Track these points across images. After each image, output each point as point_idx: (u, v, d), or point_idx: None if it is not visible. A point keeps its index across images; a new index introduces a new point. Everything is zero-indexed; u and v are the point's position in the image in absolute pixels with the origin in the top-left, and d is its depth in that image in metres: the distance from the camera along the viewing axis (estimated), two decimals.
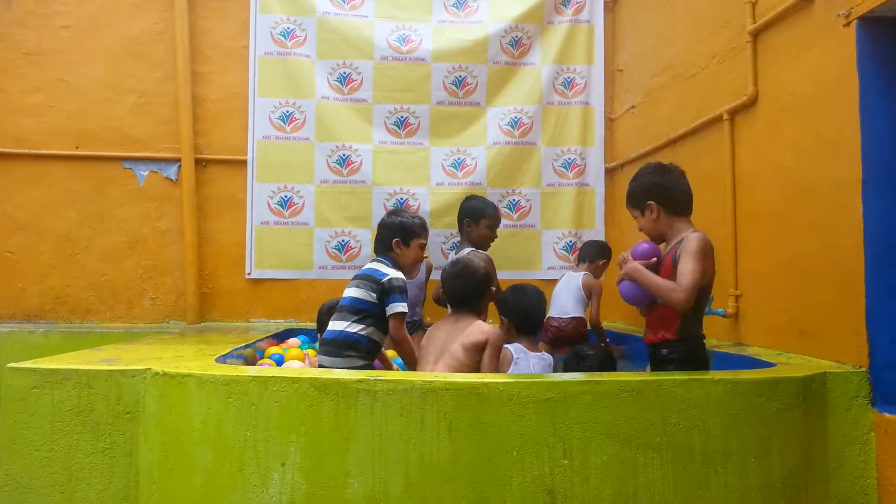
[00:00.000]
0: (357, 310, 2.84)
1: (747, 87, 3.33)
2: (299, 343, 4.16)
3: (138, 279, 4.97)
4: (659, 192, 2.73)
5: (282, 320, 5.02)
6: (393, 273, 2.90)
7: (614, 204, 5.24)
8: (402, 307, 2.83)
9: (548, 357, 3.24)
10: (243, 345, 3.29)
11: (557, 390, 2.06)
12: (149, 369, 2.28)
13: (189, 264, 4.92)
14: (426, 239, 3.17)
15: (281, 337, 4.41)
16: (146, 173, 5.01)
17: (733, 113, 3.48)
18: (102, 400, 2.27)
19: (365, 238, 5.07)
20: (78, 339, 4.35)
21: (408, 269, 3.07)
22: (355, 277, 2.99)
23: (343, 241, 5.06)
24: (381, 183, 5.08)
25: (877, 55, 2.58)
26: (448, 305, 3.17)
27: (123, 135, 4.98)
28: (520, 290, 3.34)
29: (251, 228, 5.01)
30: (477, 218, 4.23)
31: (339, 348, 2.77)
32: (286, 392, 2.06)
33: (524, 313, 3.22)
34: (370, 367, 2.82)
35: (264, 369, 2.24)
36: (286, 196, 5.04)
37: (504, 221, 5.14)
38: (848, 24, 2.62)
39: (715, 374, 2.22)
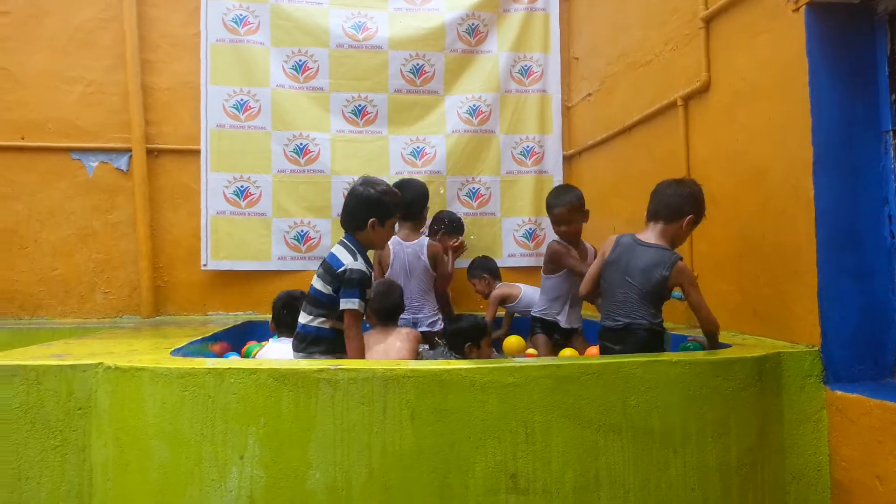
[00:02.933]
0: (318, 302, 2.70)
1: (700, 73, 3.37)
2: None
3: (90, 273, 4.83)
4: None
5: (240, 313, 4.94)
6: (351, 263, 2.66)
7: None
8: (353, 304, 2.61)
9: None
10: (200, 337, 3.22)
11: (519, 375, 2.06)
12: (101, 363, 2.22)
13: (142, 257, 4.80)
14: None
15: (241, 330, 4.34)
16: (95, 164, 4.86)
17: (687, 99, 3.52)
18: (52, 396, 2.19)
19: (325, 228, 5.01)
20: (27, 336, 4.22)
21: (378, 246, 2.90)
22: (322, 264, 2.81)
23: (302, 231, 4.99)
24: (339, 172, 5.02)
25: (825, 40, 2.63)
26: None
27: (71, 125, 4.82)
28: None
29: (206, 219, 4.90)
30: (454, 232, 4.50)
31: (302, 342, 2.68)
32: (244, 383, 2.03)
33: None
34: (340, 359, 2.68)
35: (221, 360, 2.19)
36: (242, 186, 4.95)
37: (464, 209, 5.17)
38: (797, 10, 2.66)
39: (673, 356, 2.25)
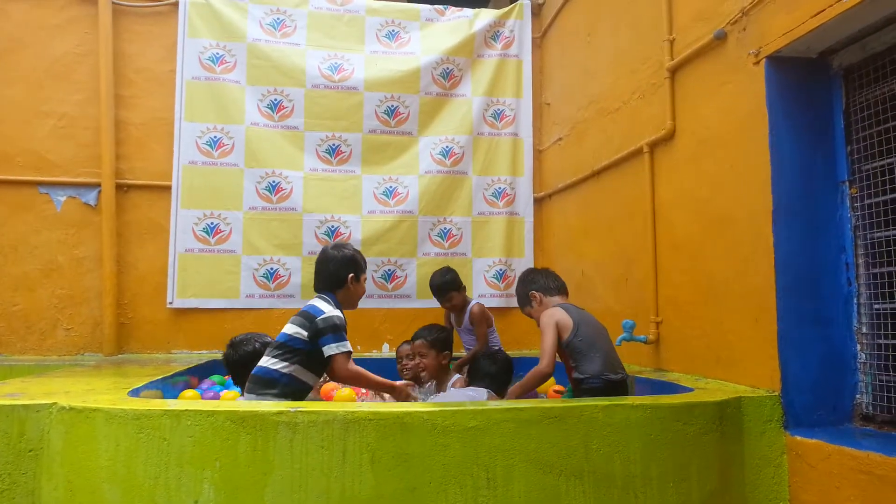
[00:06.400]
0: (284, 346, 2.67)
1: (666, 121, 3.46)
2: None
3: (52, 309, 4.75)
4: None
5: (205, 351, 4.86)
6: (330, 311, 2.71)
7: (542, 233, 5.33)
8: (339, 347, 2.64)
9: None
10: (160, 377, 3.16)
11: (481, 418, 2.05)
12: (55, 404, 2.16)
13: (107, 293, 4.73)
14: None
15: (203, 370, 4.27)
16: (63, 199, 4.82)
17: (653, 146, 3.60)
18: (2, 437, 2.13)
19: (294, 266, 4.98)
20: None
21: (354, 304, 2.97)
22: (299, 313, 2.81)
23: (272, 269, 4.96)
24: (311, 210, 5.03)
25: (784, 92, 2.72)
26: None
27: (41, 158, 4.79)
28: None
29: (174, 256, 4.86)
30: (458, 287, 4.41)
31: (257, 385, 2.63)
32: (201, 426, 1.99)
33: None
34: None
35: (178, 402, 2.15)
36: (212, 223, 4.92)
37: (435, 249, 5.19)
38: (757, 63, 2.76)
39: (635, 400, 2.26)
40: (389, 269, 5.10)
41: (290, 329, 2.69)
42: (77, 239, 4.81)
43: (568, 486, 2.09)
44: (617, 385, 2.96)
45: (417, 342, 3.56)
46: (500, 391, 3.31)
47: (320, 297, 2.80)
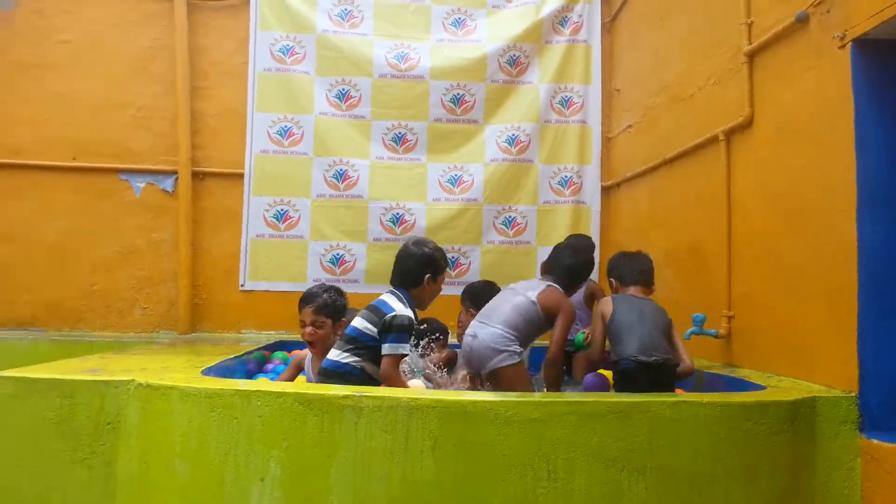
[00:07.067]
0: (354, 340, 2.71)
1: (743, 108, 3.32)
2: None
3: (130, 289, 4.96)
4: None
5: (272, 332, 4.99)
6: (401, 310, 2.71)
7: (609, 222, 5.23)
8: (399, 349, 2.65)
9: None
10: (233, 356, 3.27)
11: (544, 410, 2.03)
12: (132, 380, 2.26)
13: (183, 275, 4.91)
14: None
15: (272, 349, 4.39)
16: (142, 185, 5.01)
17: (729, 133, 3.48)
18: (84, 410, 2.24)
19: (360, 252, 5.06)
20: (67, 348, 4.33)
21: (426, 304, 2.97)
22: (367, 308, 2.84)
23: (338, 254, 5.05)
24: (377, 198, 5.08)
25: (872, 78, 2.57)
26: None
27: (121, 147, 4.99)
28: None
29: (246, 241, 5.00)
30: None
31: (328, 378, 2.67)
32: (270, 406, 2.04)
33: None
34: None
35: (248, 382, 2.21)
36: (282, 209, 5.04)
37: (499, 238, 5.18)
38: (843, 47, 2.62)
39: (704, 397, 2.19)
40: (454, 257, 5.10)
41: (359, 323, 2.72)
42: (155, 224, 5.00)
43: (630, 482, 2.05)
44: (651, 367, 2.85)
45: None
46: (569, 287, 3.40)
47: (393, 293, 2.81)
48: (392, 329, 2.65)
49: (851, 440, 2.44)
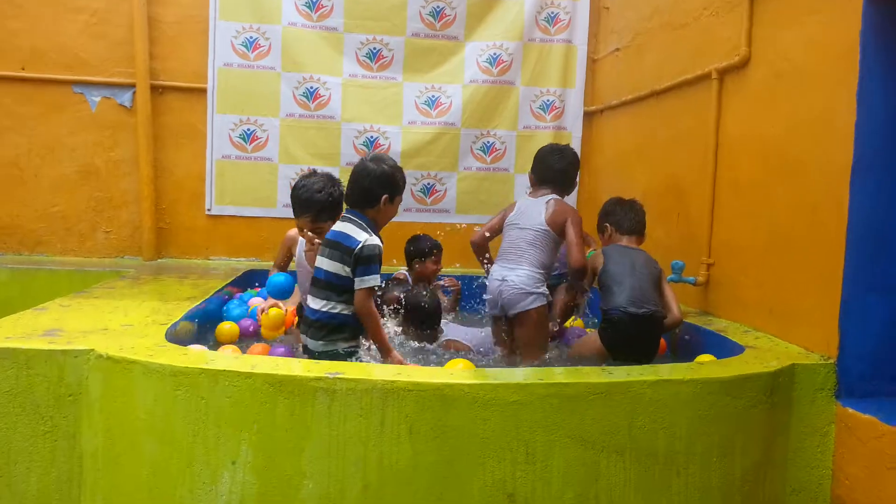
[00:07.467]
0: (334, 286, 2.57)
1: (740, 47, 3.13)
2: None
3: (91, 211, 4.74)
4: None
5: (242, 258, 4.87)
6: (367, 240, 2.56)
7: (591, 149, 5.07)
8: (371, 281, 2.53)
9: None
10: (199, 303, 3.14)
11: (524, 393, 1.98)
12: (92, 350, 2.14)
13: (145, 198, 4.69)
14: None
15: (243, 281, 4.28)
16: (98, 99, 4.69)
17: (723, 73, 3.29)
18: (42, 381, 2.13)
19: None
20: (25, 279, 4.17)
21: (381, 225, 2.78)
22: (326, 243, 2.67)
23: None
24: (350, 120, 4.83)
25: (883, 31, 2.40)
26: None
27: (74, 57, 4.62)
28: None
29: (211, 162, 4.76)
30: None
31: (321, 330, 2.56)
32: (238, 387, 1.95)
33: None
34: (358, 347, 2.62)
35: (216, 359, 2.10)
36: (249, 129, 4.78)
37: (477, 164, 5.01)
38: None
39: (685, 375, 2.15)
40: (429, 183, 4.94)
41: (329, 265, 2.58)
42: (113, 141, 4.72)
43: (608, 462, 2.04)
44: (640, 319, 2.88)
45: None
46: (564, 191, 3.37)
47: (350, 220, 2.63)
48: (361, 261, 2.52)
49: (827, 406, 2.45)
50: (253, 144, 4.78)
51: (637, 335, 2.91)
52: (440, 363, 2.76)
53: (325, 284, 2.60)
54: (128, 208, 4.75)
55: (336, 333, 2.57)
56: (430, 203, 4.97)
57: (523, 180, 4.97)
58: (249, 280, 4.34)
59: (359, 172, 2.70)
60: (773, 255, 2.90)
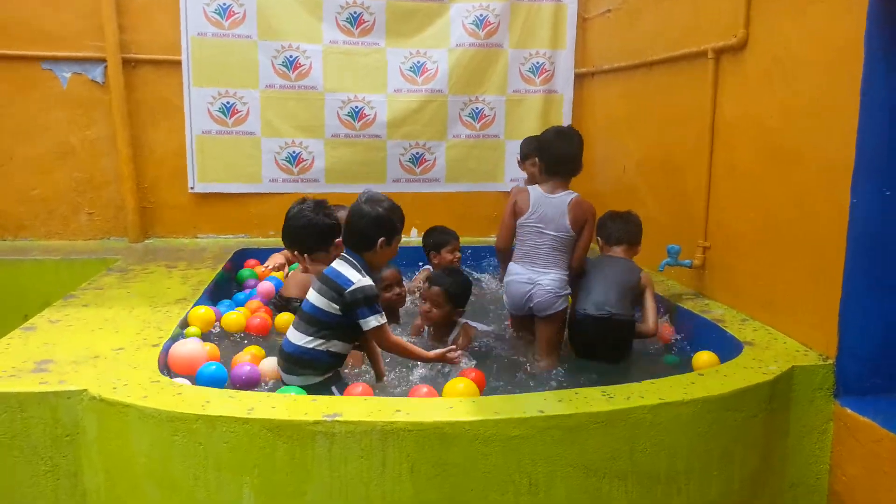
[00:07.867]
0: (317, 321, 2.53)
1: (737, 27, 3.01)
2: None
3: (72, 192, 4.62)
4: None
5: (230, 236, 4.79)
6: (359, 281, 2.50)
7: (582, 112, 4.95)
8: (376, 320, 2.49)
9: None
10: (192, 303, 3.09)
11: (525, 427, 1.97)
12: (85, 391, 2.10)
13: (125, 178, 4.55)
14: None
15: (234, 261, 4.22)
16: (69, 75, 4.49)
17: (719, 53, 3.18)
18: (38, 423, 2.10)
19: (317, 149, 4.73)
20: (9, 271, 4.06)
21: (380, 267, 2.77)
22: (321, 278, 2.61)
23: (294, 152, 4.72)
24: (333, 90, 4.66)
25: (890, 28, 2.30)
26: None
27: (39, 31, 4.38)
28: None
29: (191, 138, 4.61)
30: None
31: (294, 365, 2.54)
32: (235, 433, 1.93)
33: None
34: (331, 380, 2.59)
35: (211, 402, 2.04)
36: (228, 102, 4.61)
37: (466, 131, 4.90)
38: None
39: (684, 395, 2.15)
40: (418, 153, 4.83)
41: (317, 300, 2.53)
42: (88, 119, 4.55)
43: (611, 487, 2.06)
44: (600, 322, 2.99)
45: (434, 290, 3.14)
46: (574, 175, 3.29)
47: (346, 261, 2.58)
48: (360, 303, 2.48)
49: (825, 405, 2.48)
50: (233, 118, 4.62)
51: (597, 336, 3.04)
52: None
53: (309, 318, 2.57)
54: (109, 188, 4.62)
55: (308, 369, 2.54)
56: (420, 173, 4.87)
57: (513, 147, 4.84)
58: (241, 259, 4.30)
59: (355, 213, 2.63)
60: (770, 245, 2.88)
